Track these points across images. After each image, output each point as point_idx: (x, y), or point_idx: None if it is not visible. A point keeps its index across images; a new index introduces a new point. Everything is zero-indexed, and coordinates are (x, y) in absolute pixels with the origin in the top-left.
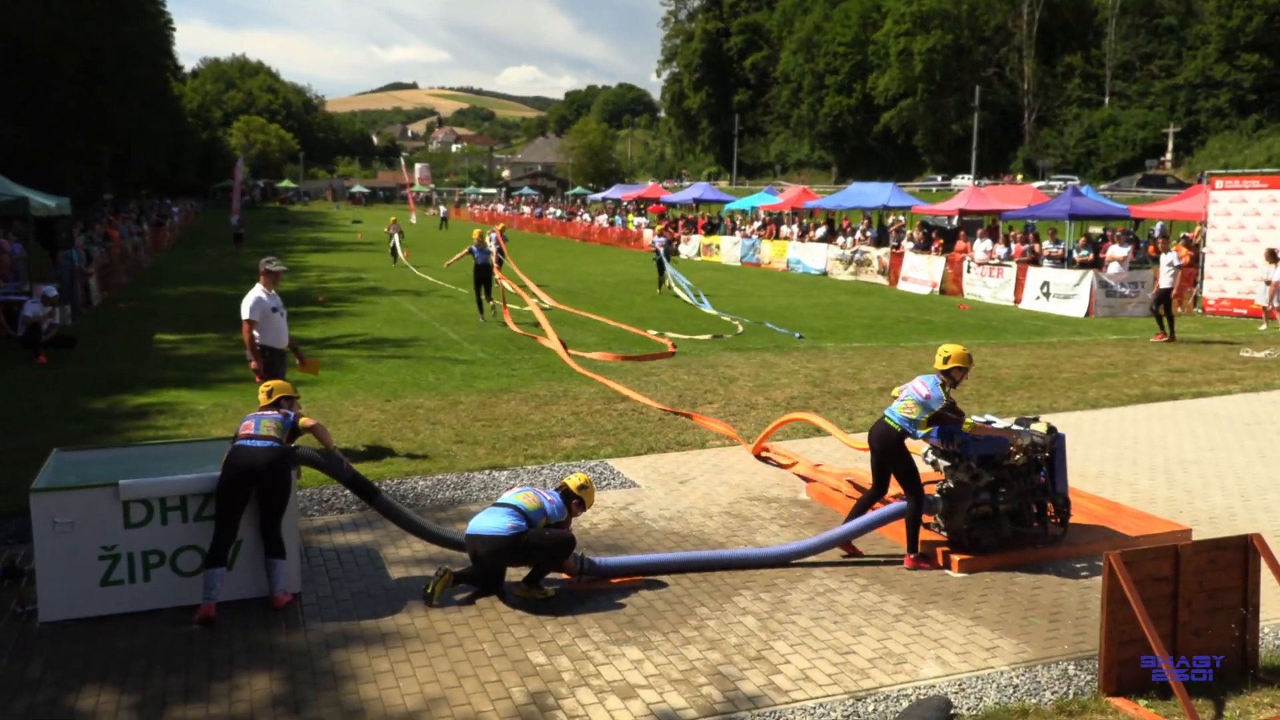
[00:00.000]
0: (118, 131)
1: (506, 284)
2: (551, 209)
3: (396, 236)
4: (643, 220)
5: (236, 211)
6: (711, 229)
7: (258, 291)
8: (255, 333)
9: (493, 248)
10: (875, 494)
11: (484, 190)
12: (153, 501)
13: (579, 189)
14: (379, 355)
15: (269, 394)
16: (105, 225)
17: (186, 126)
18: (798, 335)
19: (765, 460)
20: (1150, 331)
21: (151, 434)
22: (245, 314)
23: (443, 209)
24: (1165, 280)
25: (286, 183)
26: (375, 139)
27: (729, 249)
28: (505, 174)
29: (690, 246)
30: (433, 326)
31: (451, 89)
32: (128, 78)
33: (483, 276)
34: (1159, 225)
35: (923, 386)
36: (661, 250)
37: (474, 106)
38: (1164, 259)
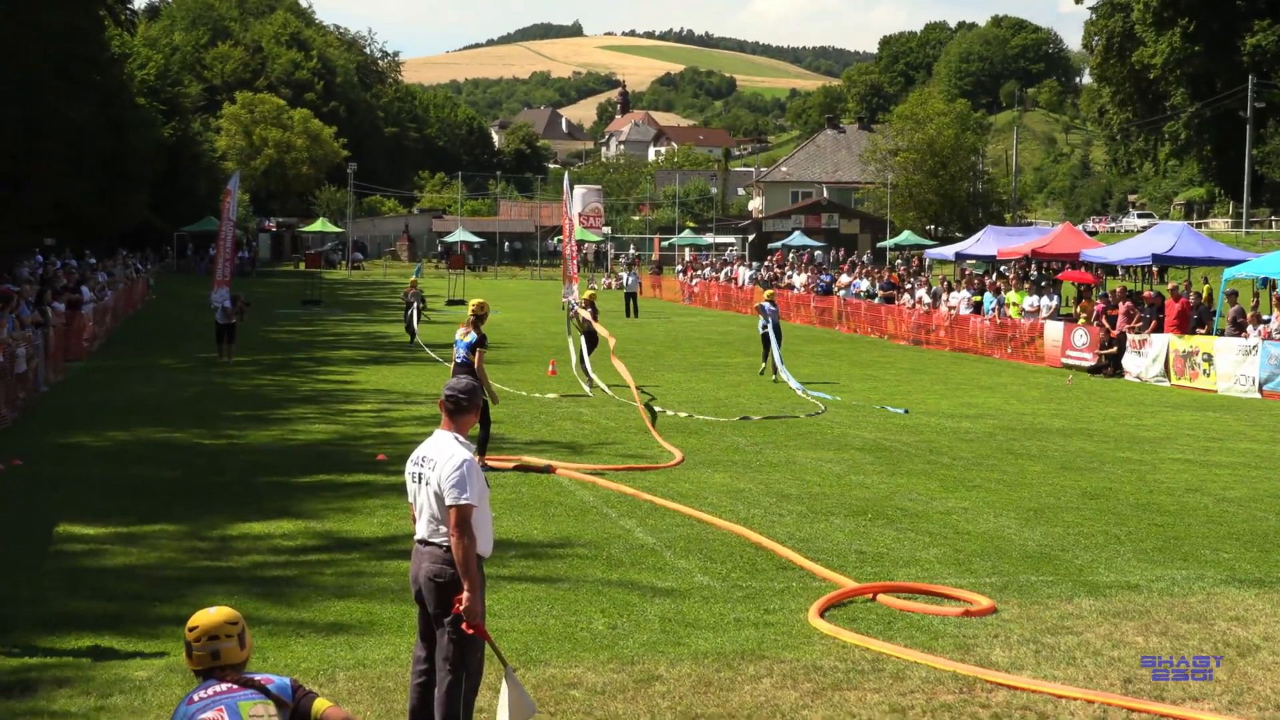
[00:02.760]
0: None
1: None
2: (852, 279)
3: (415, 308)
4: (1040, 302)
5: (224, 281)
6: (1194, 322)
7: (463, 447)
8: (478, 535)
9: (580, 311)
10: None
11: (713, 240)
12: None
13: (907, 236)
14: (495, 574)
15: (200, 645)
16: None
17: (132, 114)
18: (903, 411)
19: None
20: None
21: None
22: (462, 494)
23: (628, 277)
24: None
25: (320, 224)
26: (497, 136)
27: (1231, 364)
28: (755, 204)
29: (1148, 358)
30: (603, 515)
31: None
32: (27, 21)
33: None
34: None
35: None
36: (770, 321)
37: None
38: None
